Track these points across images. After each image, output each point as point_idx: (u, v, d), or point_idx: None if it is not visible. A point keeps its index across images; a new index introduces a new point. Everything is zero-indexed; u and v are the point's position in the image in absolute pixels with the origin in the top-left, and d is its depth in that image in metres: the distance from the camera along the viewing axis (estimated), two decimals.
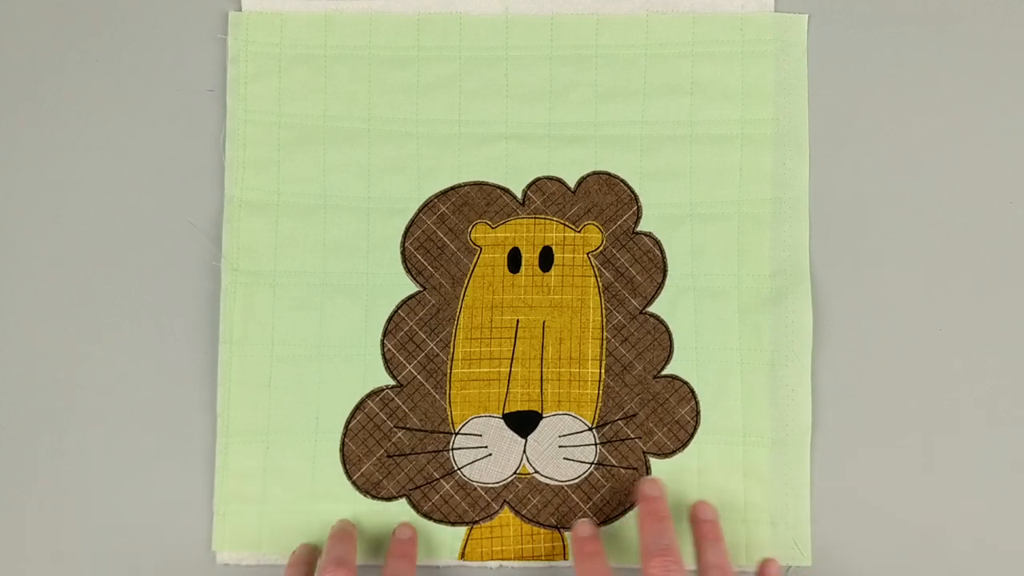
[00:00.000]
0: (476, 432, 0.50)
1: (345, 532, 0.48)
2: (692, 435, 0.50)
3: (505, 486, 0.50)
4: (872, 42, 0.52)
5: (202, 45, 0.53)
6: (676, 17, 0.52)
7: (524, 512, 0.50)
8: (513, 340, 0.51)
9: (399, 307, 0.51)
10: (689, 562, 0.48)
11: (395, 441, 0.50)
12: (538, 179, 0.52)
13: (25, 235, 0.52)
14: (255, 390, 0.51)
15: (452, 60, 0.52)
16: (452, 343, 0.51)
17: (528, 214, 0.52)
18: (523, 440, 0.50)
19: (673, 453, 0.50)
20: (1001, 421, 0.50)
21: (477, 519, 0.50)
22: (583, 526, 0.48)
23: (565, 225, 0.51)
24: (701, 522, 0.48)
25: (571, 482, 0.50)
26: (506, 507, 0.50)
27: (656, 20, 0.52)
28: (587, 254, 0.51)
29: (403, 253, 0.51)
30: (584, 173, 0.52)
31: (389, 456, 0.50)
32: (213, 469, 0.50)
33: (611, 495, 0.50)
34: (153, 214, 0.52)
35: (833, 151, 0.52)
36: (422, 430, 0.50)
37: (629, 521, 0.50)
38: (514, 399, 0.50)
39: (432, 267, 0.51)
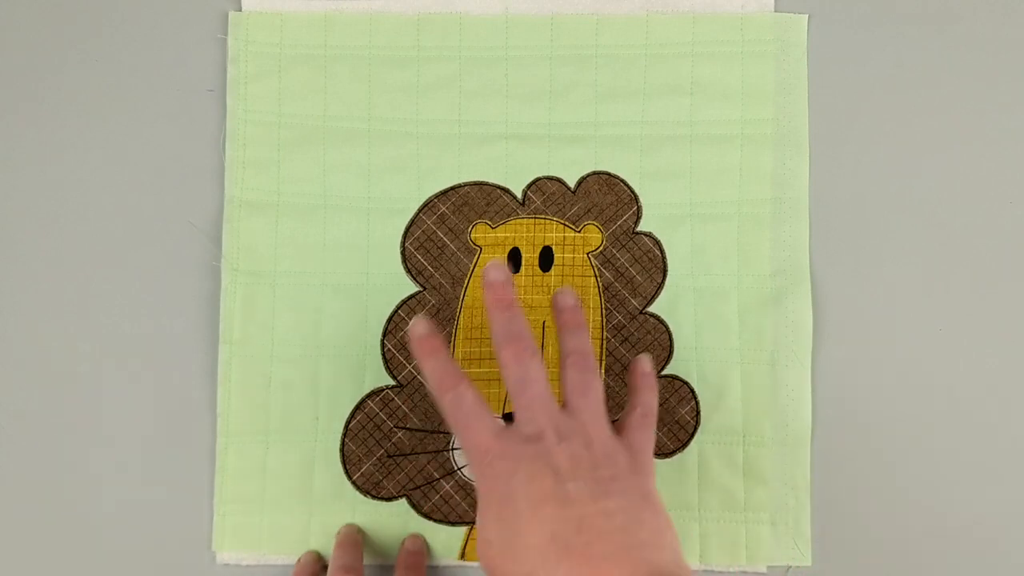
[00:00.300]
0: None
1: (351, 539, 0.48)
2: (692, 435, 0.50)
3: None
4: (872, 42, 0.52)
5: (202, 45, 0.53)
6: (676, 17, 0.52)
7: None
8: None
9: (399, 307, 0.51)
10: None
11: (395, 441, 0.50)
12: (538, 179, 0.52)
13: (25, 235, 0.52)
14: (255, 390, 0.51)
15: (452, 60, 0.52)
16: (452, 343, 0.51)
17: (528, 214, 0.52)
18: None
19: (673, 453, 0.50)
20: (1001, 421, 0.50)
21: None
22: (419, 324, 0.43)
23: (565, 225, 0.51)
24: (560, 311, 0.44)
25: None
26: None
27: (656, 20, 0.52)
28: (587, 254, 0.51)
29: (403, 253, 0.51)
30: (584, 173, 0.52)
31: (389, 456, 0.50)
32: (213, 469, 0.50)
33: None
34: (153, 214, 0.52)
35: (833, 151, 0.52)
36: (422, 430, 0.50)
37: None
38: None
39: (432, 267, 0.51)
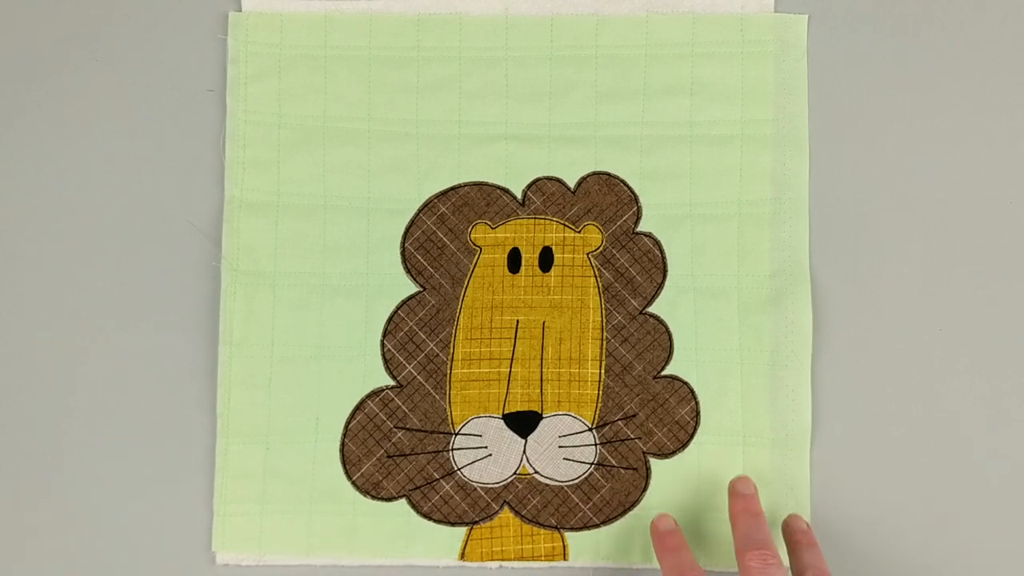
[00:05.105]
0: (476, 432, 0.50)
1: None
2: (692, 435, 0.50)
3: (505, 486, 0.50)
4: (872, 42, 0.52)
5: (202, 45, 0.53)
6: (676, 17, 0.52)
7: (524, 512, 0.50)
8: (513, 340, 0.51)
9: (399, 307, 0.51)
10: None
11: (395, 441, 0.50)
12: (538, 179, 0.52)
13: (25, 235, 0.52)
14: (255, 390, 0.51)
15: (452, 60, 0.52)
16: (452, 343, 0.51)
17: (528, 214, 0.52)
18: (523, 440, 0.50)
19: (673, 453, 0.50)
20: (1001, 421, 0.50)
21: (477, 519, 0.50)
22: (664, 520, 0.48)
23: (565, 225, 0.51)
24: (795, 531, 0.48)
25: (571, 482, 0.50)
26: (506, 507, 0.50)
27: (656, 20, 0.52)
28: (587, 254, 0.51)
29: (403, 253, 0.51)
30: (584, 173, 0.52)
31: (389, 456, 0.50)
32: (213, 469, 0.50)
33: (611, 495, 0.50)
34: (153, 214, 0.52)
35: (833, 151, 0.52)
36: (422, 430, 0.50)
37: (629, 522, 0.50)
38: (514, 399, 0.50)
39: (432, 267, 0.51)
